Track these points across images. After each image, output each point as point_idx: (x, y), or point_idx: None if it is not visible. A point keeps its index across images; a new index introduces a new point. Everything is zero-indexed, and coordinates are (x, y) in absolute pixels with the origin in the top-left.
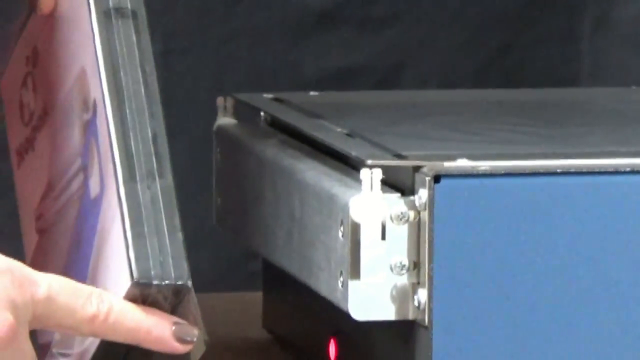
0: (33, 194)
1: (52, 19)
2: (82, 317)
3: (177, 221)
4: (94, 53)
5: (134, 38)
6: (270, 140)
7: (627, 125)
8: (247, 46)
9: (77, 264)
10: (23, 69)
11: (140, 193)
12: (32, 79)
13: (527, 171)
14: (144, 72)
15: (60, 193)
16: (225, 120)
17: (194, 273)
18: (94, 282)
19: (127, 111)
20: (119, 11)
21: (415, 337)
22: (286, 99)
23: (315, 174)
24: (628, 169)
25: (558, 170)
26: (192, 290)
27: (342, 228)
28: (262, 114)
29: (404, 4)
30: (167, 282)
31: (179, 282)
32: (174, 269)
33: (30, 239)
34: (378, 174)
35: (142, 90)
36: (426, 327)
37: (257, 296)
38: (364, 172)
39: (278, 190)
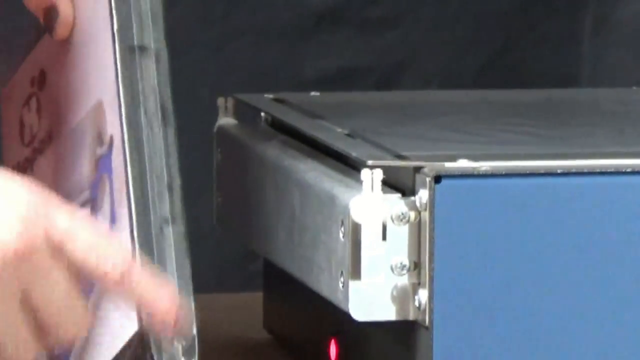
0: None
1: (66, 46)
2: (96, 264)
3: (187, 269)
4: (115, 89)
5: (156, 78)
6: (271, 140)
7: (628, 125)
8: (248, 46)
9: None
10: (27, 88)
11: (153, 238)
12: (37, 100)
13: (527, 172)
14: (164, 112)
15: None
16: (225, 120)
17: (195, 273)
18: (95, 312)
19: (146, 155)
20: (142, 49)
21: (415, 338)
22: (287, 99)
23: (315, 175)
24: (629, 170)
25: (558, 171)
26: (196, 338)
27: (342, 228)
28: (262, 114)
29: (404, 5)
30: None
31: (186, 331)
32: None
33: None
34: (379, 174)
35: (161, 134)
36: (427, 328)
37: (257, 296)
38: (365, 173)
39: (279, 190)
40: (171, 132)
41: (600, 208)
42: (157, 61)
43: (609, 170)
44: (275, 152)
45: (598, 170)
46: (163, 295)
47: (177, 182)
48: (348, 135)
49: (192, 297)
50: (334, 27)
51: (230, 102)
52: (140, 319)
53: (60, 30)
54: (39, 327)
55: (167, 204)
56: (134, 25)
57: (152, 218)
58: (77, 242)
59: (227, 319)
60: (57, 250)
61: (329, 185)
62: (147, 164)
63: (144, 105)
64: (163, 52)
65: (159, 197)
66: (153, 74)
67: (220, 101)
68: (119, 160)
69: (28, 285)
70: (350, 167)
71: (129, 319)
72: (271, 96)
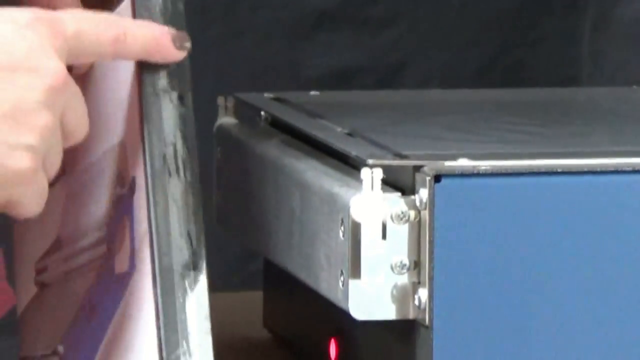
0: (35, 245)
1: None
2: (106, 41)
3: (207, 324)
4: (139, 132)
5: (180, 122)
6: (271, 140)
7: (628, 124)
8: (248, 46)
9: (87, 329)
10: None
11: (175, 284)
12: None
13: (527, 171)
14: (187, 156)
15: (72, 255)
16: (226, 119)
17: None
18: (110, 353)
19: (169, 199)
20: (168, 93)
21: (415, 337)
22: (287, 98)
23: (315, 174)
24: (629, 169)
25: (558, 170)
26: None
27: (342, 227)
28: (262, 113)
29: (404, 4)
30: None
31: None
32: None
33: (26, 287)
34: (379, 173)
35: (184, 178)
36: (427, 327)
37: (257, 295)
38: (365, 172)
39: (279, 189)
40: (194, 175)
41: (600, 207)
42: (182, 105)
43: (609, 169)
44: (275, 152)
45: (598, 170)
46: (156, 28)
47: (200, 230)
48: (348, 134)
49: (211, 355)
50: (334, 26)
51: (231, 102)
52: (161, 355)
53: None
54: (63, 134)
55: (188, 250)
56: (160, 69)
57: (173, 264)
58: (85, 31)
59: (227, 318)
60: (71, 56)
61: (329, 184)
62: (170, 208)
63: (168, 151)
64: (187, 95)
65: (181, 251)
66: (178, 119)
67: (220, 100)
68: (141, 203)
69: (67, 105)
70: (350, 166)
71: (151, 356)
72: (271, 95)
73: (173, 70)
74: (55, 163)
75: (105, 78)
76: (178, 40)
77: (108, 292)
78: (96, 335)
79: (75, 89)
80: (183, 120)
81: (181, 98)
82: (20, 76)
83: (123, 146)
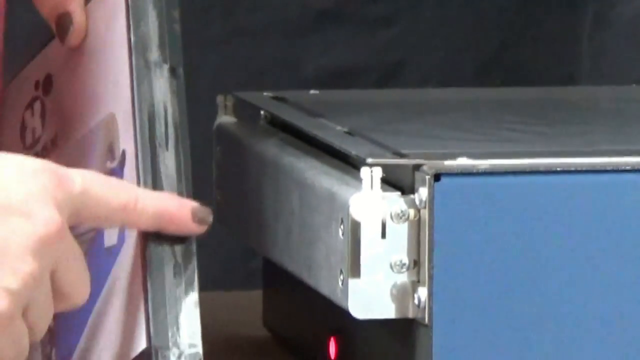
0: None
1: (76, 54)
2: (115, 206)
3: (195, 296)
4: (130, 105)
5: (171, 95)
6: (271, 138)
7: (627, 123)
8: (248, 44)
9: None
10: (31, 91)
11: (164, 266)
12: (42, 105)
13: (527, 170)
14: (178, 130)
15: None
16: (225, 118)
17: None
18: (99, 326)
19: (160, 173)
20: (159, 66)
21: (415, 336)
22: (286, 97)
23: (315, 173)
24: (628, 167)
25: (558, 169)
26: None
27: (342, 226)
28: (262, 112)
29: (404, 3)
30: (181, 349)
31: (193, 351)
32: (190, 339)
33: None
34: (378, 172)
35: (175, 151)
36: (426, 326)
37: (257, 294)
38: (364, 171)
39: (278, 188)
40: (185, 150)
41: (599, 206)
42: (173, 77)
43: (608, 168)
44: (274, 150)
45: (597, 168)
46: (173, 200)
47: (189, 198)
48: (347, 133)
49: (199, 327)
50: (334, 25)
51: (230, 100)
52: (148, 337)
53: (73, 39)
54: (56, 294)
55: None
56: (152, 42)
57: (162, 236)
58: (93, 192)
59: (227, 317)
60: (75, 216)
61: (329, 183)
62: (159, 181)
63: (159, 123)
64: (179, 69)
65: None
66: (169, 91)
67: (220, 99)
68: (131, 177)
69: (59, 259)
70: (349, 165)
71: (138, 336)
72: (271, 94)
73: (165, 42)
74: (41, 318)
75: (98, 50)
76: (199, 215)
77: (97, 265)
78: (85, 309)
79: (73, 247)
80: (174, 92)
81: (172, 70)
82: (13, 219)
83: (113, 119)
